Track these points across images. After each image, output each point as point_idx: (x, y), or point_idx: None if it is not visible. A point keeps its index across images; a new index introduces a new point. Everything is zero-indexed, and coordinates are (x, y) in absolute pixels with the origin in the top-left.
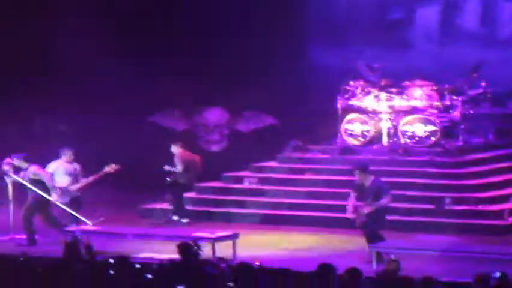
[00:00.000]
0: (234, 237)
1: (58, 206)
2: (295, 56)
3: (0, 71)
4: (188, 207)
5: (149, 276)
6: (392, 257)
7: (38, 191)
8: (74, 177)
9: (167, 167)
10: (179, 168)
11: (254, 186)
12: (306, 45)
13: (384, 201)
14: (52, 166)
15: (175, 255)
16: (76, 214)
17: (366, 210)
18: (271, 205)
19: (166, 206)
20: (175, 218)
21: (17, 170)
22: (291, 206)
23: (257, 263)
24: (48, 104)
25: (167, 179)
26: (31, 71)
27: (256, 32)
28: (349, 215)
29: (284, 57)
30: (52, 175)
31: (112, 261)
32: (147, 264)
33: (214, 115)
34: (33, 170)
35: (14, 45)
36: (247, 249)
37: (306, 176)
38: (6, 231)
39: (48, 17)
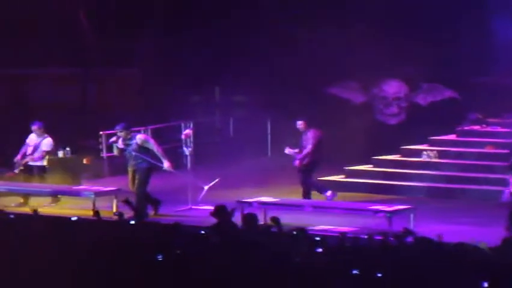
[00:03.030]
0: (410, 210)
1: (171, 172)
2: (477, 28)
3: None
4: (365, 180)
5: (320, 249)
6: None
7: (148, 159)
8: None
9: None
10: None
11: (432, 159)
12: (488, 17)
13: None
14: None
15: (350, 228)
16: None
17: None
18: (449, 179)
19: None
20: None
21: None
22: (470, 180)
23: (439, 237)
24: (229, 75)
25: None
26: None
27: (438, 4)
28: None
29: (465, 29)
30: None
31: (294, 232)
32: (324, 237)
33: (393, 88)
34: (142, 137)
35: None
36: (424, 222)
37: (486, 150)
38: (185, 202)
39: None
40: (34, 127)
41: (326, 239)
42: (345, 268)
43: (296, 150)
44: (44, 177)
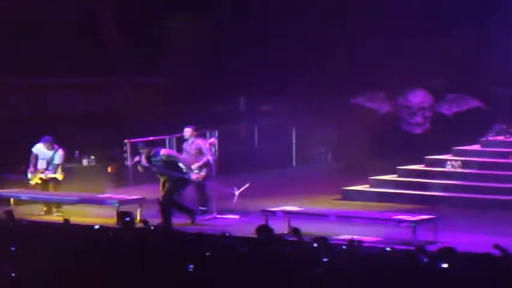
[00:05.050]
0: (434, 220)
1: (199, 183)
2: (502, 37)
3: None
4: (389, 190)
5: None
6: None
7: (172, 173)
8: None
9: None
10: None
11: (456, 169)
12: None
13: None
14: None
15: (375, 238)
16: (224, 187)
17: None
18: (473, 189)
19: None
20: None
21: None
22: (494, 190)
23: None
24: (252, 84)
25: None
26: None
27: (463, 15)
28: None
29: (490, 39)
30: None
31: (315, 244)
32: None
33: (418, 97)
34: (165, 152)
35: None
36: (448, 232)
37: (509, 160)
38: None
39: None
40: (44, 143)
41: (351, 248)
42: (367, 278)
43: None
44: (59, 187)
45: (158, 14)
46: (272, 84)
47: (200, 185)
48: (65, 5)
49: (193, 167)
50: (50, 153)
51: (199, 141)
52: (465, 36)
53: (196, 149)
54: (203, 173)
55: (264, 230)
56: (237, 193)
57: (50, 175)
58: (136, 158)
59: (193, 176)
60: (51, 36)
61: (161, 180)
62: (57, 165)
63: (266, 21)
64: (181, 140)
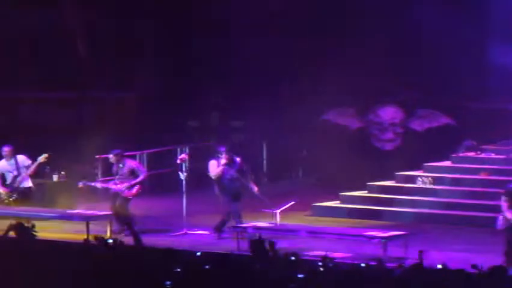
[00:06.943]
0: (405, 237)
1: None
2: (473, 55)
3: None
4: (360, 206)
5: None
6: None
7: (244, 182)
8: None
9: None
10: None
11: (427, 185)
12: (485, 44)
13: None
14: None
15: (345, 254)
16: (263, 198)
17: None
18: (444, 205)
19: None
20: None
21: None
22: (465, 207)
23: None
24: (227, 100)
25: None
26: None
27: (433, 31)
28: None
29: (462, 57)
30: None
31: (293, 258)
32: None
33: (389, 113)
34: (240, 161)
35: None
36: (419, 249)
37: (480, 177)
38: (180, 226)
39: None
40: (8, 148)
41: (324, 264)
42: None
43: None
44: (31, 200)
45: (130, 28)
46: (244, 100)
47: (126, 204)
48: (38, 18)
49: (124, 185)
50: (11, 163)
51: (131, 163)
52: (434, 52)
53: (129, 171)
54: (134, 191)
55: (258, 246)
56: (278, 212)
57: (25, 184)
58: (222, 161)
59: (254, 189)
60: (24, 50)
61: (231, 191)
62: (38, 163)
63: (240, 39)
64: (153, 155)
